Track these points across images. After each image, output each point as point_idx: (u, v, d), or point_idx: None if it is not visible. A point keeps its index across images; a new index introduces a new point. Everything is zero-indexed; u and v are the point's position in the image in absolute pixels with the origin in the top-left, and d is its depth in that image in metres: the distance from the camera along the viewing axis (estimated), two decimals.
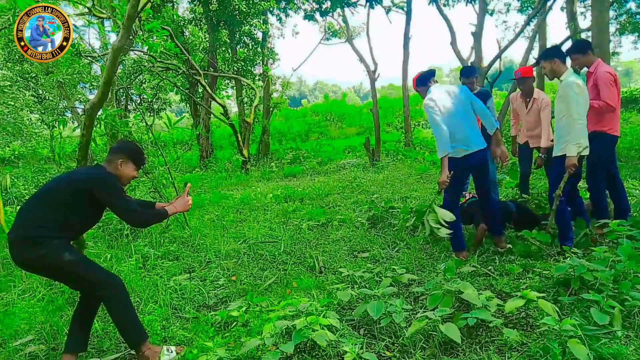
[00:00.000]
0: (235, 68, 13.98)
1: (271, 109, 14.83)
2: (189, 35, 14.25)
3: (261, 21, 13.97)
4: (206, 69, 13.54)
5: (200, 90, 14.49)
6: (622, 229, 3.66)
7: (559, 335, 2.40)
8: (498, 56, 11.65)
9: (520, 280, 3.39)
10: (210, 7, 12.97)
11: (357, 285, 3.50)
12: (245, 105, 14.86)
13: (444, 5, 13.54)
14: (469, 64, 10.57)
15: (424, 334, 2.68)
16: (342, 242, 4.86)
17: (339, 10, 14.46)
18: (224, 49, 14.74)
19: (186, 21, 14.24)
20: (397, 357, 2.55)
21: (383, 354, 2.59)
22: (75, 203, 2.56)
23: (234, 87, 15.67)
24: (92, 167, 2.76)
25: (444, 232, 3.63)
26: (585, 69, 4.24)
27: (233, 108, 20.40)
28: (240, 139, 11.89)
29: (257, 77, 14.98)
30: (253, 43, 14.44)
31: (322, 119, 23.84)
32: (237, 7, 12.67)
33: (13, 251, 2.51)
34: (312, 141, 17.94)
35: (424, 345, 2.62)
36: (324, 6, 12.94)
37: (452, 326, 2.52)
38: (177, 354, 2.73)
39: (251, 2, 13.02)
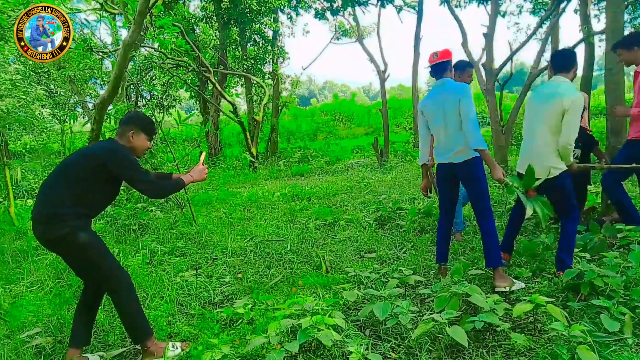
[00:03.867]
0: (245, 66, 14.00)
1: (280, 107, 14.84)
2: (200, 32, 14.30)
3: (272, 19, 13.98)
4: (216, 66, 13.58)
5: (210, 88, 14.54)
6: (634, 235, 3.61)
7: (568, 341, 2.36)
8: (510, 58, 11.53)
9: (529, 284, 3.35)
10: (222, 5, 13.01)
11: (364, 286, 3.48)
12: (254, 103, 14.88)
13: (456, 6, 13.44)
14: (480, 65, 10.49)
15: (430, 337, 2.66)
16: (349, 242, 4.84)
17: (350, 9, 14.42)
18: (234, 46, 14.78)
19: (197, 18, 14.29)
20: (403, 359, 2.53)
21: (388, 356, 2.57)
22: (91, 178, 2.56)
23: (244, 85, 15.70)
24: (105, 141, 2.77)
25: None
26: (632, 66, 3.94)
27: (242, 106, 20.44)
28: (248, 137, 11.91)
29: (266, 76, 14.99)
30: (263, 41, 14.46)
31: (331, 118, 23.83)
32: (248, 5, 12.69)
33: (37, 229, 2.52)
34: (321, 140, 17.93)
35: (430, 347, 2.60)
36: (335, 5, 12.92)
37: (459, 329, 2.49)
38: (182, 350, 2.73)
39: (262, 0, 13.04)
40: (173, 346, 2.72)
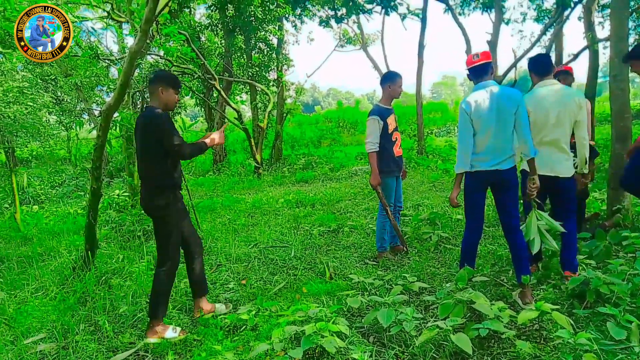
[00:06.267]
0: (250, 73, 14.07)
1: (284, 114, 14.89)
2: (205, 40, 14.41)
3: (276, 27, 14.07)
4: (221, 73, 13.66)
5: (215, 95, 14.62)
6: (639, 242, 3.59)
7: (574, 349, 2.35)
8: (513, 65, 11.56)
9: (534, 292, 3.33)
10: (227, 13, 13.11)
11: (367, 292, 3.47)
12: (259, 110, 14.94)
13: (460, 14, 13.50)
14: None
15: (434, 344, 2.64)
16: (352, 249, 4.83)
17: (354, 17, 14.50)
18: (239, 54, 14.86)
19: (203, 26, 14.40)
20: None
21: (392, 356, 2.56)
22: (152, 149, 2.99)
23: (248, 92, 15.77)
24: (144, 112, 3.08)
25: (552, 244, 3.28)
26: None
27: (247, 113, 20.54)
28: (253, 143, 11.95)
29: (271, 83, 15.06)
30: (268, 49, 14.54)
31: (335, 125, 23.87)
32: (253, 13, 12.79)
33: (140, 202, 3.16)
34: (325, 147, 17.95)
35: (435, 355, 2.58)
36: (339, 13, 13.00)
37: (463, 336, 2.48)
38: (180, 336, 3.00)
39: (267, 8, 13.13)
40: (174, 329, 3.04)
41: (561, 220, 3.54)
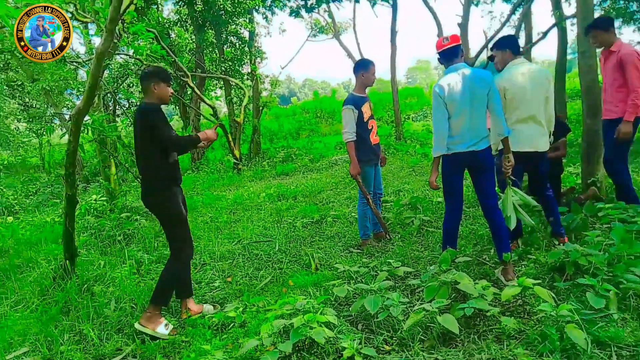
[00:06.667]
0: (223, 68, 13.87)
1: (261, 108, 14.75)
2: (175, 36, 14.12)
3: (247, 20, 13.86)
4: (194, 70, 13.43)
5: (188, 92, 14.38)
6: (614, 212, 3.69)
7: (556, 321, 2.40)
8: (485, 46, 11.67)
9: (516, 268, 3.40)
10: (196, 8, 12.85)
11: (354, 281, 3.49)
12: (234, 105, 14.76)
13: None
14: None
15: (422, 326, 2.68)
16: (336, 238, 4.85)
17: (324, 5, 14.39)
18: (211, 49, 14.62)
19: (172, 23, 14.10)
20: (396, 351, 2.55)
21: (382, 348, 2.58)
22: (147, 143, 3.06)
23: (223, 88, 15.56)
24: (139, 107, 3.19)
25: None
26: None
27: (223, 108, 20.29)
28: (230, 139, 11.82)
29: (245, 77, 14.87)
30: (240, 42, 14.32)
31: (313, 116, 23.77)
32: (222, 6, 12.56)
33: (141, 197, 3.26)
34: (303, 139, 17.87)
35: (423, 337, 2.62)
36: (309, 2, 12.88)
37: (449, 317, 2.52)
38: (171, 334, 3.03)
39: (236, 1, 12.92)
40: (166, 326, 3.08)
41: (541, 195, 3.68)
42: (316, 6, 13.20)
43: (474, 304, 2.58)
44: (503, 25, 12.35)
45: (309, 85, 77.98)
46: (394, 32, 12.71)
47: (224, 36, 13.72)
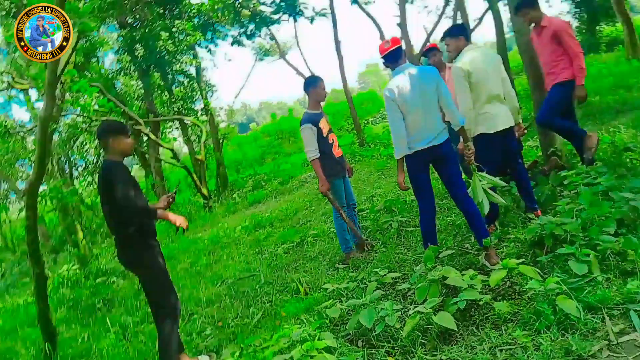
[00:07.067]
0: (176, 108, 13.73)
1: (221, 140, 14.64)
2: (122, 85, 13.92)
3: (191, 56, 13.80)
4: (146, 115, 13.22)
5: (145, 139, 14.13)
6: (577, 179, 3.81)
7: (546, 295, 2.44)
8: (427, 41, 12.03)
9: (498, 250, 3.44)
10: (137, 54, 12.71)
11: (345, 298, 3.44)
12: (194, 143, 14.59)
13: (365, 3, 13.85)
14: None
15: (420, 330, 2.67)
16: (320, 258, 4.80)
17: (265, 29, 14.51)
18: (160, 92, 14.44)
19: (115, 73, 13.89)
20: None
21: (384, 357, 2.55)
22: (111, 201, 2.92)
23: (179, 128, 15.38)
24: (101, 165, 3.20)
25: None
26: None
27: (183, 148, 20.01)
28: (196, 178, 11.66)
29: (199, 113, 14.75)
30: (188, 80, 14.24)
31: (274, 138, 23.74)
32: (163, 48, 12.45)
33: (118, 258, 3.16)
34: (269, 163, 17.79)
35: (423, 340, 2.61)
36: (249, 29, 12.97)
37: (445, 315, 2.51)
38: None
39: (176, 40, 12.84)
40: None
41: (514, 169, 3.85)
42: (256, 32, 13.30)
43: (465, 296, 2.59)
44: (440, 17, 12.77)
45: (266, 108, 78.09)
46: (337, 42, 12.89)
47: (171, 76, 13.60)
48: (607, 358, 2.05)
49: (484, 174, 3.44)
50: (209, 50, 15.15)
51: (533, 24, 4.29)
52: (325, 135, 4.29)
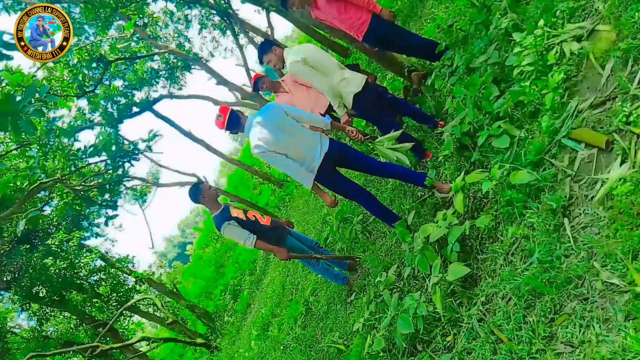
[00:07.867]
0: (112, 307, 12.88)
1: (174, 289, 14.04)
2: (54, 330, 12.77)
3: (89, 254, 12.97)
4: (95, 336, 12.20)
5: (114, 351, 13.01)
6: (442, 75, 4.02)
7: (501, 183, 2.53)
8: (250, 77, 12.33)
9: (442, 178, 3.53)
10: (40, 296, 11.75)
11: (376, 323, 3.33)
12: (158, 313, 13.74)
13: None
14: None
15: (447, 295, 2.65)
16: (332, 305, 4.64)
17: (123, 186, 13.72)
18: (89, 305, 13.44)
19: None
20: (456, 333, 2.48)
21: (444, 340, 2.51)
22: None
23: (132, 315, 14.43)
24: None
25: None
26: None
27: (150, 327, 18.77)
28: (184, 338, 11.03)
29: (138, 285, 13.97)
30: (102, 273, 13.44)
31: (213, 251, 22.86)
32: (57, 270, 11.52)
33: None
34: (230, 266, 17.17)
35: (457, 299, 2.60)
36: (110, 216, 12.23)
37: (453, 268, 2.54)
38: None
39: (62, 252, 11.95)
40: None
41: (398, 109, 4.08)
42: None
43: (453, 239, 2.62)
44: (243, 50, 13.14)
45: (190, 234, 75.57)
46: (188, 134, 12.63)
47: (86, 287, 12.76)
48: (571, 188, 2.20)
49: (380, 138, 3.54)
50: (97, 235, 14.42)
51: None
52: (245, 219, 4.20)
